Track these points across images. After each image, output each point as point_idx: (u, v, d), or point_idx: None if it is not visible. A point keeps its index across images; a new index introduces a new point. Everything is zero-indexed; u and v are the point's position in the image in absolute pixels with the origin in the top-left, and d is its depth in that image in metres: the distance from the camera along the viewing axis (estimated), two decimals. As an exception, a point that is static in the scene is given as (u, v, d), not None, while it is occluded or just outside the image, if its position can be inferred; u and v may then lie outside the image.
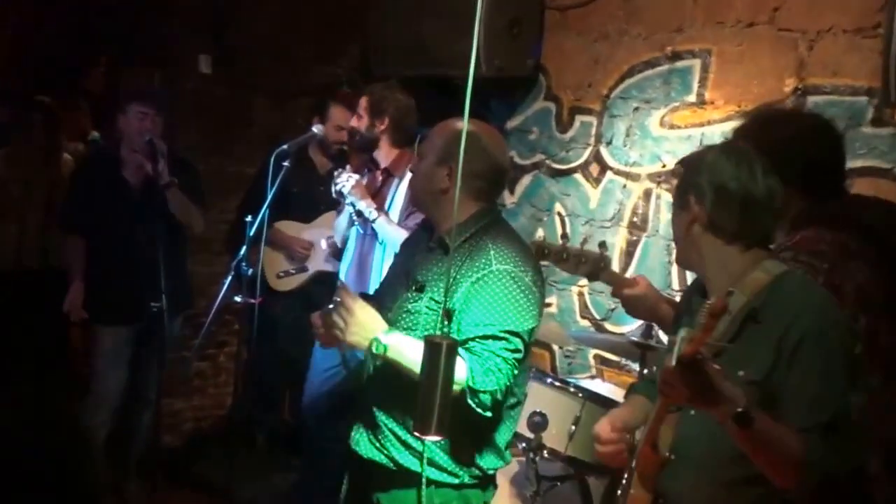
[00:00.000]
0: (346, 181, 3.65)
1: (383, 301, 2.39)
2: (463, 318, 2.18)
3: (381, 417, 2.33)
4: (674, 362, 1.69)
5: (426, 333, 2.18)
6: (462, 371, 2.10)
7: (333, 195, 3.75)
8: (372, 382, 2.40)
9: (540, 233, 4.37)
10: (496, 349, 2.15)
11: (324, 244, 4.35)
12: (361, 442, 2.39)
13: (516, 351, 2.18)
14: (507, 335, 2.16)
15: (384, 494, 2.35)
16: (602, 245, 2.69)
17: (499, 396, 2.17)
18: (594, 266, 2.63)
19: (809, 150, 2.17)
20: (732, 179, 1.87)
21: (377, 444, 2.35)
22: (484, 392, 2.13)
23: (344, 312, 2.14)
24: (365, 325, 2.14)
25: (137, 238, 3.72)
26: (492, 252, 2.22)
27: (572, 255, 2.63)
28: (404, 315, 2.29)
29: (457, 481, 2.30)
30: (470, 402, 2.14)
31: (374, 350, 2.13)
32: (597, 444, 2.14)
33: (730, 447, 1.76)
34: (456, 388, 1.99)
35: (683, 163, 2.03)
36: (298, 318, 4.34)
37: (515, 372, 2.20)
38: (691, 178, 1.94)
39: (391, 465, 2.32)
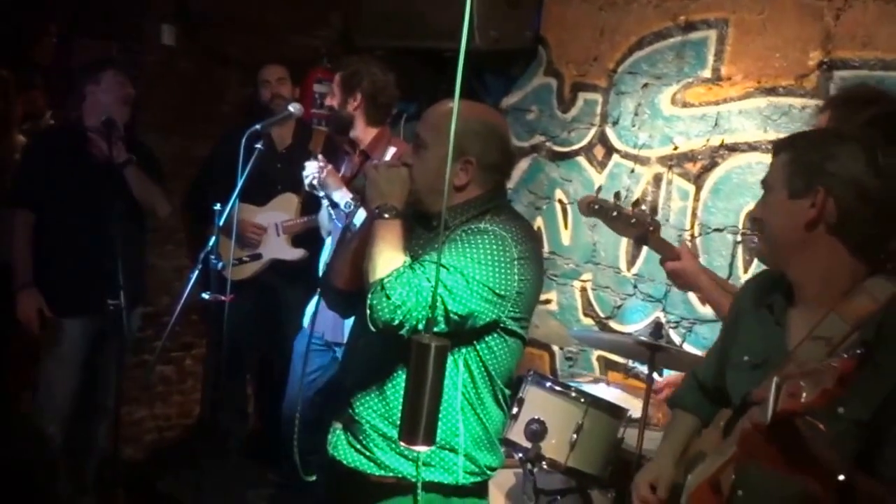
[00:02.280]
0: (316, 172, 3.62)
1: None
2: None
3: (362, 412, 2.33)
4: (768, 418, 1.58)
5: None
6: (390, 263, 2.15)
7: (306, 188, 3.74)
8: (348, 371, 2.41)
9: (538, 220, 4.37)
10: (432, 274, 2.12)
11: (279, 229, 4.36)
12: (339, 445, 2.38)
13: (453, 294, 2.15)
14: (456, 274, 2.16)
15: None
16: (637, 203, 2.82)
17: (396, 318, 2.11)
18: (643, 229, 2.74)
19: (892, 133, 2.14)
20: (874, 178, 1.76)
21: (358, 446, 2.34)
22: (388, 297, 2.10)
23: (394, 167, 2.29)
24: (395, 186, 2.26)
25: (94, 220, 3.72)
26: (487, 218, 2.28)
27: (624, 214, 2.74)
28: None
29: (452, 480, 2.30)
30: (370, 296, 2.13)
31: (381, 210, 2.22)
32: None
33: (799, 489, 1.71)
34: (369, 259, 2.16)
35: (800, 142, 1.90)
36: (255, 311, 4.37)
37: (440, 313, 2.15)
38: (821, 164, 1.79)
39: (376, 469, 2.32)
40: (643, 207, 2.81)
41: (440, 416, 2.15)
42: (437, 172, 2.26)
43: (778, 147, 1.93)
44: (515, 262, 2.23)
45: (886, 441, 1.72)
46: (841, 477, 1.62)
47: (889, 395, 1.71)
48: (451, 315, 2.16)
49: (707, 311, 3.69)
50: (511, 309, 2.26)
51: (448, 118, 2.31)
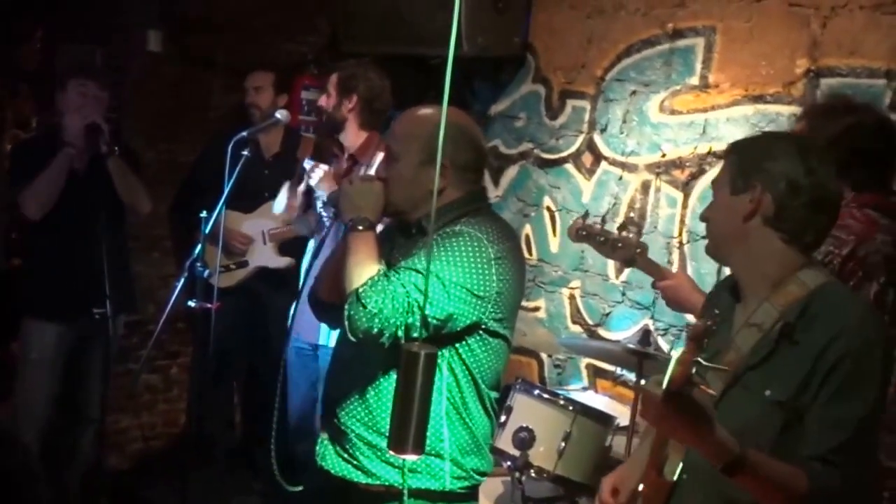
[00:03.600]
0: (316, 174, 3.65)
1: None
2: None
3: (347, 422, 2.34)
4: (663, 388, 1.70)
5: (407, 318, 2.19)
6: (364, 272, 2.17)
7: (304, 186, 3.75)
8: (333, 382, 2.42)
9: (527, 227, 4.38)
10: (411, 279, 2.14)
11: (266, 237, 4.36)
12: (328, 455, 2.39)
13: (430, 299, 2.15)
14: (434, 279, 2.16)
15: None
16: (639, 232, 2.96)
17: (374, 327, 2.11)
18: (630, 252, 2.82)
19: (866, 145, 2.34)
20: (807, 174, 1.88)
21: (345, 455, 2.35)
22: (364, 307, 2.11)
23: (367, 181, 2.32)
24: (368, 199, 2.28)
25: (78, 227, 3.70)
26: (462, 221, 2.28)
27: (610, 238, 2.83)
28: None
29: (440, 486, 2.30)
30: (347, 307, 2.14)
31: (356, 223, 2.25)
32: None
33: None
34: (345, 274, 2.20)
35: (742, 145, 2.03)
36: (241, 319, 4.37)
37: (406, 319, 2.14)
38: (759, 162, 1.93)
39: (364, 477, 2.33)
40: (629, 230, 2.89)
41: (437, 423, 2.20)
42: (411, 182, 2.29)
43: (725, 152, 2.06)
44: (493, 262, 2.23)
45: (805, 420, 1.82)
46: (733, 455, 1.72)
47: (808, 375, 1.81)
48: (430, 319, 2.17)
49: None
50: (492, 310, 2.26)
51: (413, 125, 2.35)
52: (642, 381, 3.28)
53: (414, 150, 2.29)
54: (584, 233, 2.88)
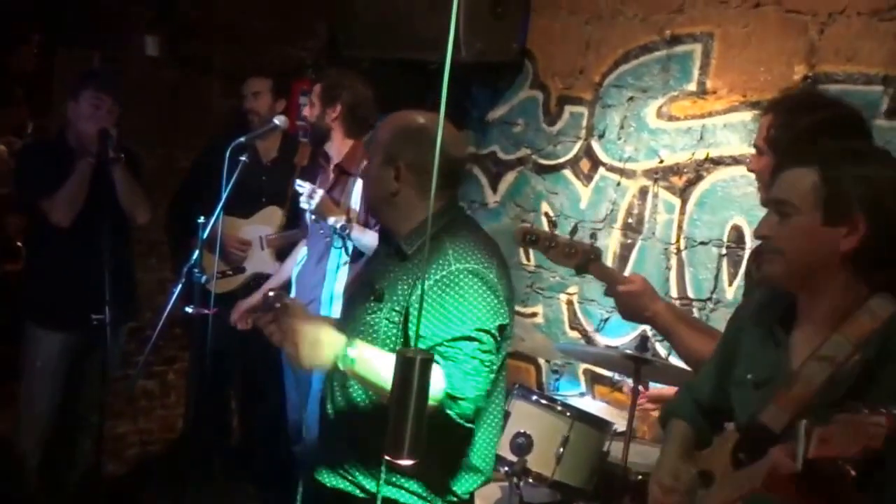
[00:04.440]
0: (312, 197, 3.64)
1: (346, 313, 2.41)
2: (427, 322, 2.18)
3: (340, 440, 2.35)
4: (798, 462, 1.56)
5: (386, 346, 2.21)
6: (437, 380, 2.08)
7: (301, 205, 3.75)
8: (326, 399, 2.42)
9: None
10: (470, 351, 2.15)
11: (263, 243, 4.36)
12: (322, 469, 2.39)
13: (490, 352, 2.19)
14: (478, 334, 2.17)
15: None
16: (592, 237, 2.71)
17: (481, 403, 2.18)
18: (584, 258, 2.62)
19: (838, 140, 2.11)
20: (893, 201, 1.75)
21: (340, 471, 2.35)
22: (464, 399, 2.13)
23: (289, 334, 2.08)
24: (319, 343, 2.09)
25: (81, 235, 3.70)
26: (450, 251, 2.23)
27: (561, 243, 2.63)
28: (363, 327, 2.30)
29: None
30: (450, 412, 2.14)
31: (340, 366, 2.11)
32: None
33: None
34: (431, 402, 1.96)
35: (833, 162, 1.81)
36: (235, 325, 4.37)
37: (492, 376, 2.22)
38: (860, 189, 1.76)
39: (359, 492, 2.32)
40: (580, 235, 2.69)
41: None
42: (374, 182, 2.33)
43: (804, 159, 1.83)
44: (497, 288, 2.23)
45: (889, 461, 1.68)
46: None
47: None
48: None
49: (693, 324, 3.71)
50: (507, 332, 2.29)
51: (384, 129, 2.37)
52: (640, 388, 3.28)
53: (378, 150, 2.33)
54: (531, 237, 2.66)
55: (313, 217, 3.72)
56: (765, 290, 2.05)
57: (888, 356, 1.74)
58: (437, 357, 2.11)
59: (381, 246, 2.46)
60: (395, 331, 2.24)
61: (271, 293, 2.15)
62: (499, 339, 2.24)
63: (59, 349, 3.86)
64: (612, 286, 2.60)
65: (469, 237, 2.29)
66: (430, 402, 1.97)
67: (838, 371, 1.75)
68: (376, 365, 2.11)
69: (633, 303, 2.54)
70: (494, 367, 2.22)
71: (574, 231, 2.71)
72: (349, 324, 2.32)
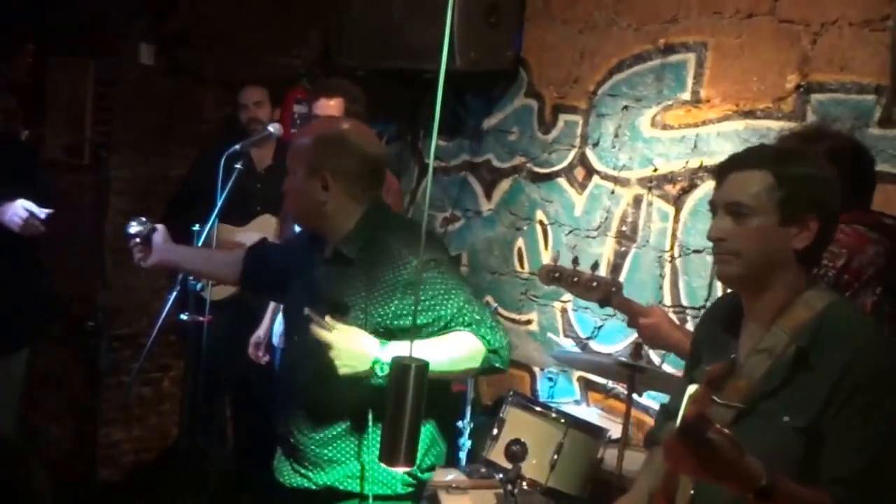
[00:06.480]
0: None
1: (302, 332, 2.41)
2: (426, 317, 2.24)
3: (299, 437, 2.38)
4: (677, 427, 1.64)
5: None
6: (472, 344, 2.23)
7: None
8: (284, 401, 2.46)
9: (519, 241, 4.39)
10: (477, 311, 2.29)
11: None
12: (284, 471, 2.44)
13: (486, 307, 2.38)
14: (469, 297, 2.31)
15: None
16: (595, 266, 2.84)
17: (510, 349, 2.34)
18: (605, 291, 2.76)
19: (844, 168, 2.23)
20: (836, 202, 1.86)
21: (302, 471, 2.39)
22: (502, 347, 2.29)
23: (327, 349, 2.14)
24: (355, 353, 2.14)
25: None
26: (402, 248, 2.29)
27: (584, 280, 2.78)
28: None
29: (391, 492, 2.35)
30: (497, 364, 2.30)
31: (379, 374, 2.13)
32: None
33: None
34: (471, 366, 2.22)
35: (788, 170, 1.86)
36: (233, 332, 4.37)
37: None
38: (812, 192, 1.85)
39: (319, 487, 2.36)
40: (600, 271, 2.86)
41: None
42: (302, 195, 2.36)
43: (755, 162, 1.89)
44: (452, 259, 2.46)
45: (826, 443, 1.77)
46: (763, 482, 1.66)
47: (827, 399, 1.76)
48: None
49: (687, 332, 3.71)
50: None
51: (303, 141, 2.42)
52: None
53: (301, 163, 2.36)
54: (556, 274, 2.83)
55: None
56: (715, 302, 2.15)
57: (820, 344, 1.80)
58: (459, 328, 2.24)
59: (316, 254, 2.47)
60: (373, 329, 2.25)
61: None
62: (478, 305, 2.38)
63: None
64: (633, 318, 2.73)
65: (406, 229, 2.42)
66: (471, 366, 2.24)
67: (776, 362, 1.82)
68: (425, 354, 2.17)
69: (653, 334, 2.69)
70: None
71: (595, 266, 2.83)
72: (310, 342, 2.22)
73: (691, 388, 1.66)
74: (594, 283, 2.77)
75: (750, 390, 1.83)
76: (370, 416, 2.27)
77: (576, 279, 2.79)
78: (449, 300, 2.25)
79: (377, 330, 2.22)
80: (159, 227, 2.77)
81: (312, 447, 2.35)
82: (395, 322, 2.24)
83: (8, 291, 3.61)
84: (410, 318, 2.14)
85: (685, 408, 1.64)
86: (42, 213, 3.51)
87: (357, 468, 2.31)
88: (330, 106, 3.81)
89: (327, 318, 2.15)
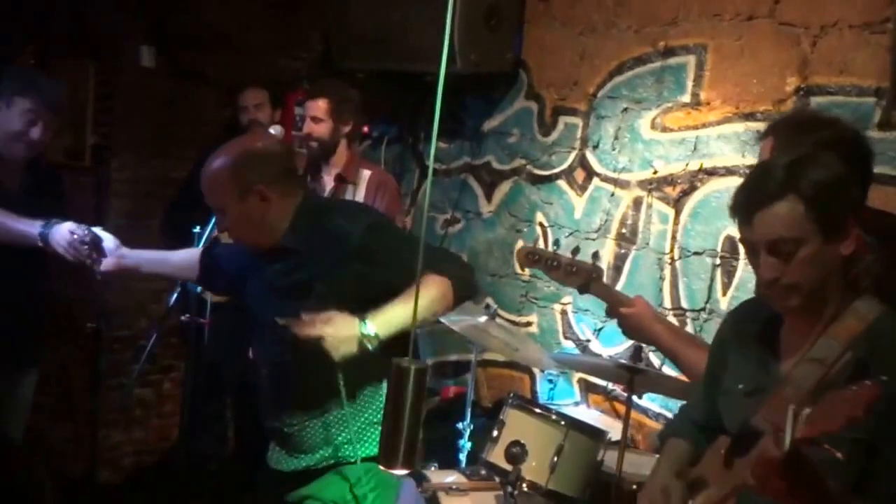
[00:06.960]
0: None
1: (261, 327, 2.57)
2: (393, 272, 2.30)
3: (287, 430, 2.49)
4: (785, 444, 1.54)
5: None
6: (435, 283, 2.34)
7: None
8: (270, 393, 2.54)
9: (520, 243, 4.40)
10: (430, 249, 2.43)
11: None
12: (280, 459, 2.55)
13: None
14: (412, 239, 2.49)
15: (308, 486, 2.49)
16: (595, 256, 2.76)
17: (472, 271, 2.55)
18: (586, 277, 2.69)
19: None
20: (858, 189, 1.90)
21: (296, 454, 2.51)
22: (466, 273, 2.48)
23: (319, 340, 2.22)
24: (343, 337, 2.23)
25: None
26: (343, 223, 2.42)
27: (563, 263, 2.69)
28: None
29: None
30: (465, 291, 2.44)
31: (371, 348, 2.23)
32: None
33: None
34: (437, 308, 2.36)
35: (820, 186, 1.81)
36: (233, 333, 4.36)
37: None
38: (838, 193, 1.82)
39: (318, 465, 2.48)
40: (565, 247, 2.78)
41: (369, 393, 2.42)
42: (248, 223, 2.42)
43: (775, 191, 1.81)
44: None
45: (885, 455, 1.73)
46: None
47: (886, 411, 1.68)
48: None
49: (687, 334, 3.71)
50: None
51: (217, 174, 2.42)
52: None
53: (228, 194, 2.40)
54: (534, 257, 2.74)
55: None
56: (743, 303, 2.09)
57: (877, 356, 1.76)
58: (428, 271, 2.33)
59: (252, 259, 2.56)
60: (343, 302, 2.30)
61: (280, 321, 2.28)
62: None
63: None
64: (613, 307, 2.65)
65: (339, 205, 2.69)
66: (446, 303, 2.38)
67: (829, 372, 1.76)
68: (399, 318, 2.25)
69: (634, 324, 2.60)
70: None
71: (576, 251, 2.75)
72: (280, 337, 2.33)
73: (795, 407, 1.57)
74: (574, 269, 2.68)
75: (798, 400, 1.73)
76: (341, 384, 2.32)
77: (555, 263, 2.69)
78: (401, 250, 2.36)
79: (344, 301, 2.28)
80: (101, 232, 2.87)
81: (303, 434, 2.47)
82: (362, 290, 2.32)
83: (23, 307, 3.48)
84: (373, 283, 2.30)
85: (792, 429, 1.54)
86: (84, 231, 3.02)
87: (347, 437, 2.43)
88: (317, 107, 3.83)
89: (303, 316, 2.22)
